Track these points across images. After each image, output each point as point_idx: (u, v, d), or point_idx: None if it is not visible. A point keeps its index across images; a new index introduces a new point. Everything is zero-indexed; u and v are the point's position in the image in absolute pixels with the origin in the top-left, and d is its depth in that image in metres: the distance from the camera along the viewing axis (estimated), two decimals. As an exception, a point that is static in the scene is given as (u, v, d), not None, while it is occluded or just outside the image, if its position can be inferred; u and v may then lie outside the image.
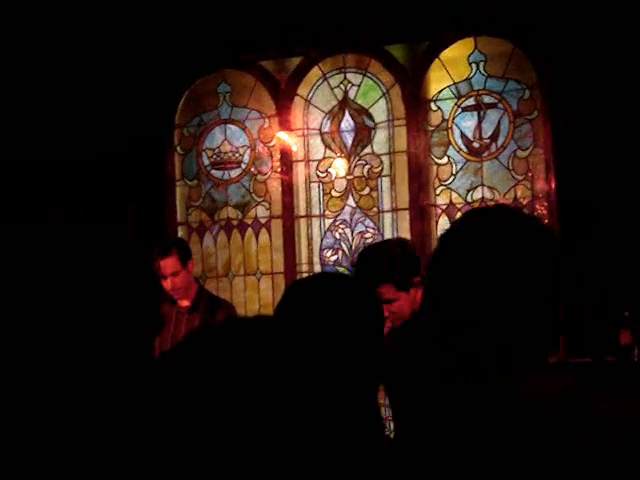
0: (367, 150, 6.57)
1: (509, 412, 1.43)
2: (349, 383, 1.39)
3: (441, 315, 1.61)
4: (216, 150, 6.89)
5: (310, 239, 6.70)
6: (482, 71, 6.25)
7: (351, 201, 6.61)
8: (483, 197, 6.22)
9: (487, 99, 6.25)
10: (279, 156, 6.72)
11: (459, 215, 6.21)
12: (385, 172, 6.53)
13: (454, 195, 6.29)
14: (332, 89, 6.65)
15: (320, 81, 6.68)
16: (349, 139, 6.61)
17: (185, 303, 5.42)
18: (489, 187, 6.22)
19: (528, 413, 1.42)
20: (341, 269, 6.55)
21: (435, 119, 6.38)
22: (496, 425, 1.43)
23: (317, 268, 6.66)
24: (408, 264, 3.80)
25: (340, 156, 6.62)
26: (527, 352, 1.55)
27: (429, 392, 1.61)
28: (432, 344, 1.69)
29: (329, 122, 6.66)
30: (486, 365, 1.53)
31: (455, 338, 1.58)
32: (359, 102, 6.60)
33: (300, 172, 6.71)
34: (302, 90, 6.70)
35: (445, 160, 6.35)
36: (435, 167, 6.37)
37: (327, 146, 6.65)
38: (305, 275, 6.41)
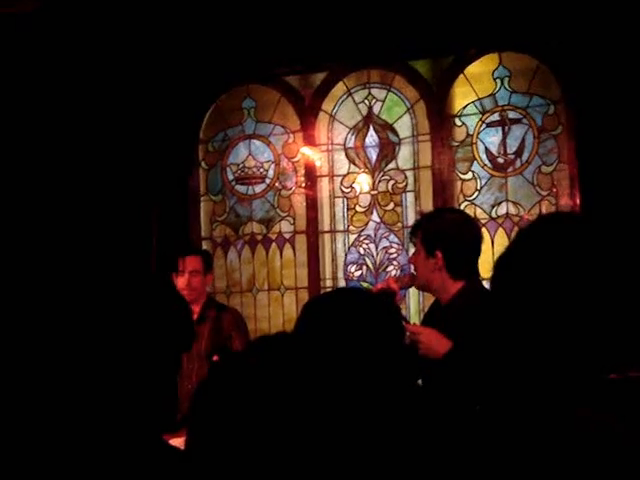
0: (391, 165, 6.56)
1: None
2: (372, 392, 1.38)
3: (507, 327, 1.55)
4: (240, 165, 6.91)
5: (334, 254, 6.70)
6: (507, 86, 6.24)
7: (375, 216, 6.60)
8: (507, 213, 6.20)
9: (512, 114, 6.23)
10: (303, 171, 6.73)
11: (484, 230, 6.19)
12: (409, 187, 6.52)
13: (478, 210, 6.27)
14: (356, 104, 6.66)
15: (344, 96, 6.68)
16: (373, 154, 6.61)
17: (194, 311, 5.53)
18: (513, 203, 6.20)
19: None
20: (365, 284, 6.54)
21: (459, 134, 6.37)
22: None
23: (341, 283, 6.65)
24: None
25: (364, 171, 6.62)
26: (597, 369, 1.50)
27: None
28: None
29: (353, 137, 6.66)
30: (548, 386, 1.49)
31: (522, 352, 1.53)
32: (383, 117, 6.60)
33: (324, 187, 6.72)
34: (326, 105, 6.71)
35: (469, 175, 6.33)
36: (459, 182, 6.35)
37: (351, 161, 6.66)
38: (329, 290, 6.40)
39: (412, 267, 4.04)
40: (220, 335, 5.42)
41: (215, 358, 5.12)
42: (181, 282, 5.41)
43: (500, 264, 1.60)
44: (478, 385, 3.26)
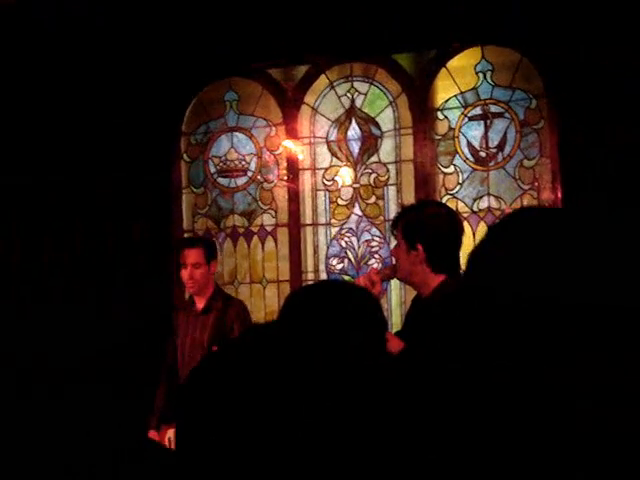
0: (373, 159, 6.57)
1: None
2: (355, 383, 1.38)
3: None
4: (223, 158, 6.90)
5: (316, 247, 6.70)
6: (489, 80, 6.25)
7: (357, 209, 6.60)
8: (489, 206, 6.21)
9: (494, 108, 6.24)
10: (285, 164, 6.72)
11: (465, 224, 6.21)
12: (391, 181, 6.52)
13: (460, 204, 6.28)
14: (339, 97, 6.66)
15: (327, 89, 6.68)
16: (355, 148, 6.61)
17: (199, 305, 5.59)
18: (495, 196, 6.21)
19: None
20: (347, 277, 6.55)
21: (442, 128, 6.37)
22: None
23: (323, 276, 6.66)
24: None
25: (346, 164, 6.62)
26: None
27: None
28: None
29: (336, 130, 6.66)
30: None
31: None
32: (366, 111, 6.60)
33: (306, 180, 6.71)
34: (309, 98, 6.71)
35: (451, 169, 6.34)
36: (441, 176, 6.36)
37: (333, 154, 6.65)
38: (311, 283, 6.41)
39: (394, 259, 4.04)
40: (223, 326, 5.47)
41: (214, 348, 5.16)
42: (184, 275, 5.53)
43: (472, 259, 1.59)
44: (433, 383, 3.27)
